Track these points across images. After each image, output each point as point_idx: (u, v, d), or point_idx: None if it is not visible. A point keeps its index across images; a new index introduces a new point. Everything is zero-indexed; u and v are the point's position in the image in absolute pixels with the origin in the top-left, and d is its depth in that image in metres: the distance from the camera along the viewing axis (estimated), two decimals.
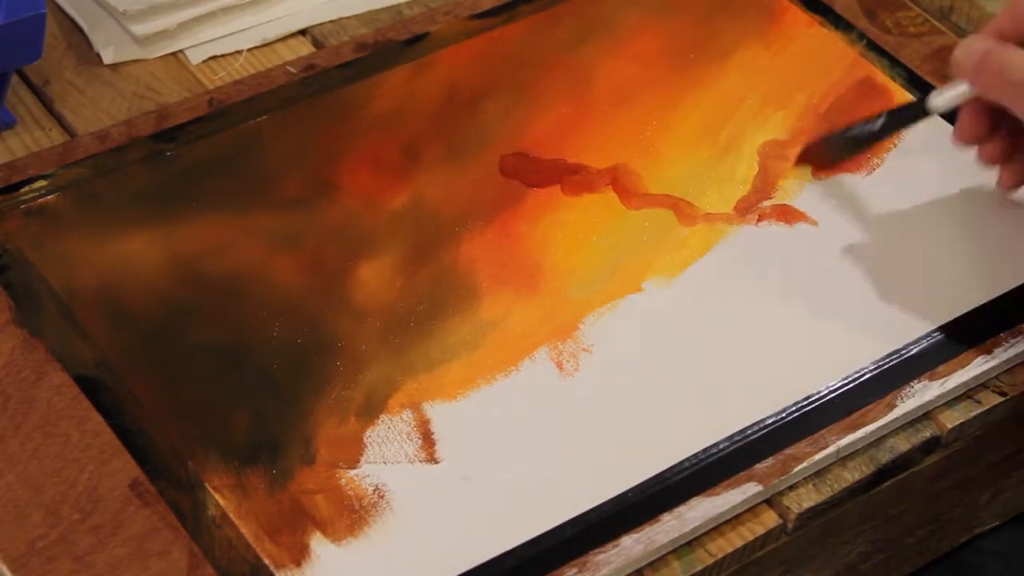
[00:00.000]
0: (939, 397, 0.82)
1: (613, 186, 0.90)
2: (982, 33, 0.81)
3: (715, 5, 1.01)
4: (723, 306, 0.85)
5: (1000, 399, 0.84)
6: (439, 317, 0.83)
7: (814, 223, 0.89)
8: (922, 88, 0.97)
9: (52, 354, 0.79)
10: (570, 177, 0.91)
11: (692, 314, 0.84)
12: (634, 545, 0.75)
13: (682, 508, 0.76)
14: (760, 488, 0.77)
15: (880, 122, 0.88)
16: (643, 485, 0.77)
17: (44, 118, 0.93)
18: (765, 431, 0.79)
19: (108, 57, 0.96)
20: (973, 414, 0.83)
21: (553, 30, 0.99)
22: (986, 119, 0.83)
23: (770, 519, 0.78)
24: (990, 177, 0.91)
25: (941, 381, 0.82)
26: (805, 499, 0.79)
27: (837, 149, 0.90)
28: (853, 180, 0.92)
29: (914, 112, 0.88)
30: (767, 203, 0.90)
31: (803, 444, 0.79)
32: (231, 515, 0.74)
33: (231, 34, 0.98)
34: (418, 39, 0.97)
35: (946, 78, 0.86)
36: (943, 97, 0.84)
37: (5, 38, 0.86)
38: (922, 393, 0.82)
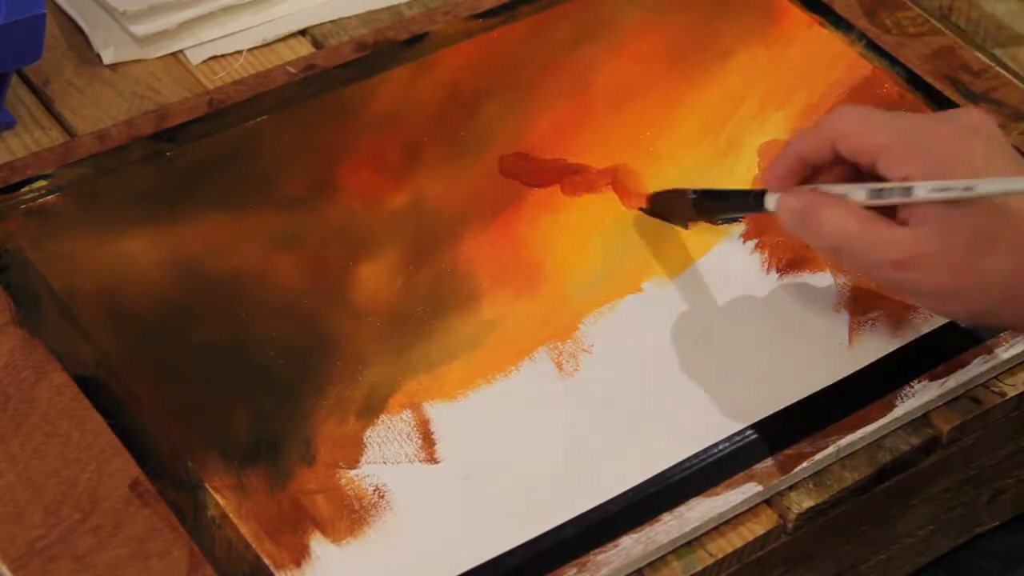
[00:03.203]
0: (939, 397, 0.82)
1: (613, 186, 0.90)
2: (787, 153, 0.78)
3: (715, 5, 1.01)
4: (723, 306, 0.85)
5: (1000, 399, 0.84)
6: (439, 317, 0.83)
7: None
8: (922, 88, 0.97)
9: (52, 354, 0.79)
10: (570, 177, 0.90)
11: (692, 314, 0.84)
12: (634, 545, 0.75)
13: (682, 508, 0.76)
14: (760, 488, 0.77)
15: (728, 196, 0.86)
16: (643, 485, 0.77)
17: (44, 118, 0.93)
18: (765, 431, 0.79)
19: (108, 57, 0.96)
20: (973, 414, 0.83)
21: (553, 30, 0.99)
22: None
23: (770, 519, 0.78)
24: None
25: (941, 381, 0.82)
26: (805, 499, 0.79)
27: (684, 211, 0.87)
28: None
29: (754, 204, 0.81)
30: None
31: (803, 444, 0.79)
32: (231, 515, 0.74)
33: (231, 34, 0.98)
34: (418, 39, 0.97)
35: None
36: (772, 202, 0.79)
37: (5, 38, 0.86)
38: (922, 393, 0.82)
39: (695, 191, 0.86)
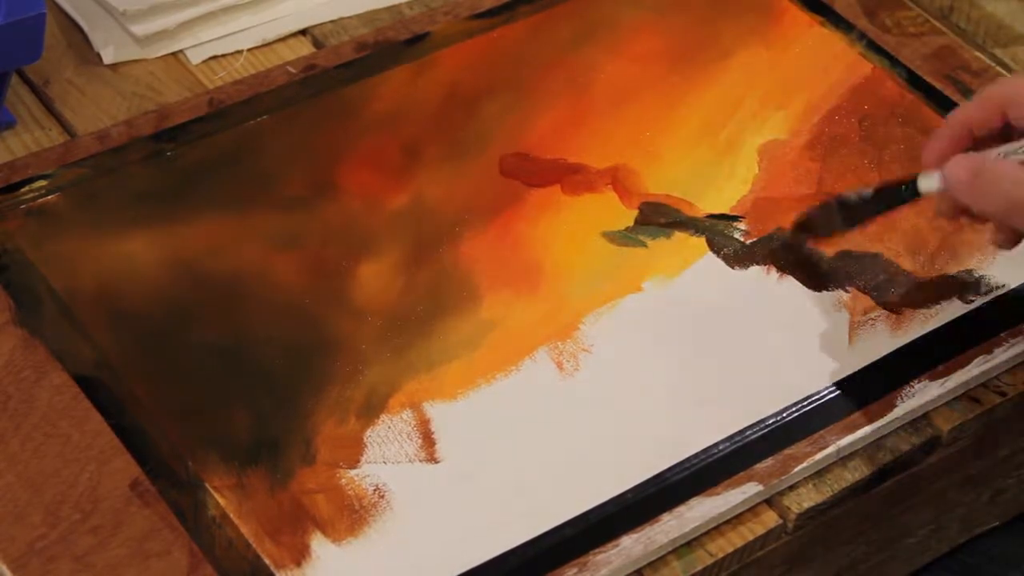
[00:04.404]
0: (939, 397, 0.82)
1: (613, 186, 0.90)
2: (952, 123, 0.78)
3: (715, 5, 1.01)
4: (723, 306, 0.85)
5: (1000, 399, 0.84)
6: (439, 317, 0.83)
7: None
8: (922, 88, 0.97)
9: (52, 354, 0.79)
10: (570, 177, 0.90)
11: (692, 314, 0.84)
12: (634, 545, 0.75)
13: (682, 508, 0.76)
14: (760, 488, 0.77)
15: (872, 197, 0.82)
16: (643, 485, 0.77)
17: (44, 118, 0.93)
18: (765, 431, 0.79)
19: (108, 57, 0.96)
20: (973, 414, 0.83)
21: (553, 30, 0.99)
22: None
23: (770, 519, 0.78)
24: None
25: (941, 381, 0.82)
26: (805, 499, 0.79)
27: (831, 223, 0.83)
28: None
29: (907, 194, 0.80)
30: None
31: (803, 444, 0.79)
32: (231, 515, 0.74)
33: (231, 34, 0.98)
34: (418, 39, 0.97)
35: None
36: (932, 182, 0.78)
37: (5, 38, 0.86)
38: (922, 393, 0.82)
39: (838, 200, 0.82)
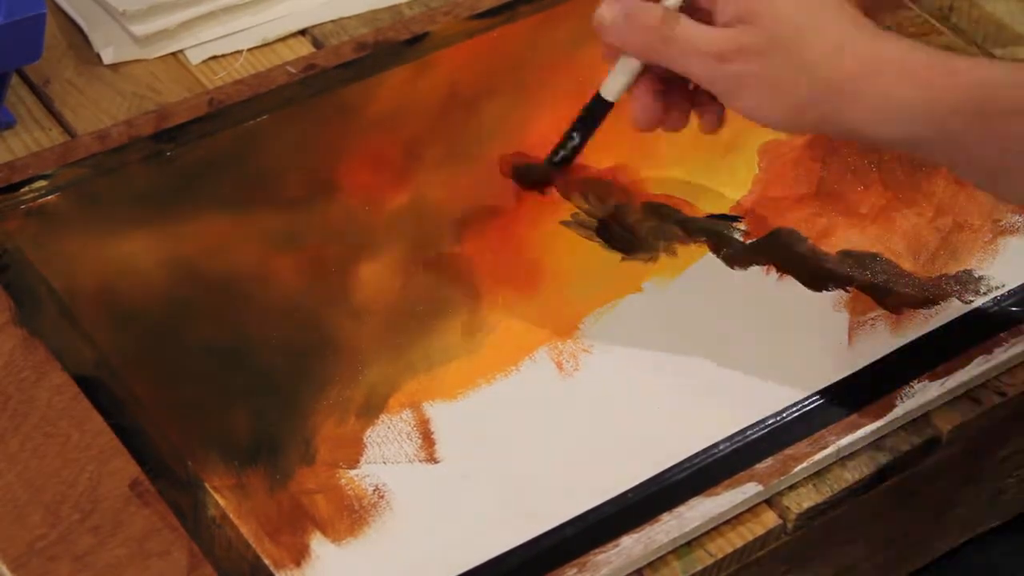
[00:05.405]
0: (939, 397, 0.82)
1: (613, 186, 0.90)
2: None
3: None
4: (723, 306, 0.85)
5: (1000, 399, 0.84)
6: (439, 317, 0.83)
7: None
8: None
9: (52, 354, 0.79)
10: (570, 177, 0.90)
11: (692, 314, 0.84)
12: (634, 545, 0.75)
13: (682, 508, 0.76)
14: (760, 488, 0.77)
15: (576, 133, 0.87)
16: (643, 485, 0.77)
17: (44, 118, 0.93)
18: (765, 431, 0.79)
19: (108, 57, 0.96)
20: (973, 414, 0.83)
21: (553, 30, 0.99)
22: (658, 95, 0.82)
23: (770, 519, 0.78)
24: None
25: (941, 381, 0.82)
26: (805, 499, 0.79)
27: (545, 172, 0.89)
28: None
29: (598, 108, 0.85)
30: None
31: (803, 444, 0.79)
32: (231, 515, 0.74)
33: (231, 34, 0.98)
34: (418, 39, 0.97)
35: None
36: (615, 83, 0.83)
37: (5, 38, 0.86)
38: (922, 393, 0.82)
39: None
